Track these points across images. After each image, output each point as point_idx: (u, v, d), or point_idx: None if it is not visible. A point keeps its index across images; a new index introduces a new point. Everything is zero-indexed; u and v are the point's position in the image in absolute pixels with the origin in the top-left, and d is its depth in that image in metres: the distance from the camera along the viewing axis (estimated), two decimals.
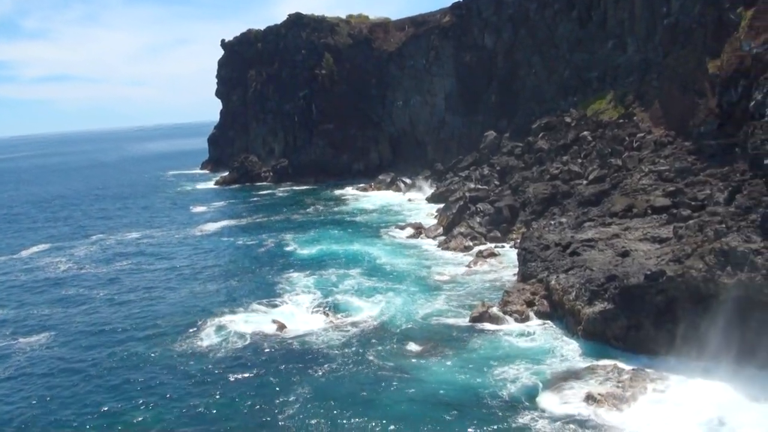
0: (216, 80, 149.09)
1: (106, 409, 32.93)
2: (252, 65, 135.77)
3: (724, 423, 27.44)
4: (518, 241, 53.97)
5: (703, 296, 32.52)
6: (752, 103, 39.10)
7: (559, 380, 32.53)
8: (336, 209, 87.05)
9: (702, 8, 54.94)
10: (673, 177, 49.80)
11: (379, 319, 42.87)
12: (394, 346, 38.37)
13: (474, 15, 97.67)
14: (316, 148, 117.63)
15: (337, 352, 37.94)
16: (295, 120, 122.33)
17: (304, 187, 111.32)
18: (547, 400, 30.74)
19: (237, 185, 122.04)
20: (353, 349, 38.30)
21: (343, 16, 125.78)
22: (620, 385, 30.92)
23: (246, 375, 35.61)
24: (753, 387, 29.44)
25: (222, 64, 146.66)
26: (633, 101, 66.39)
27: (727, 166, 42.97)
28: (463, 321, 41.53)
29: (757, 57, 41.76)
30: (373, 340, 39.41)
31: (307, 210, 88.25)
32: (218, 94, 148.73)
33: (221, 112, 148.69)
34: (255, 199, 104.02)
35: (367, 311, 44.45)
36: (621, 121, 64.97)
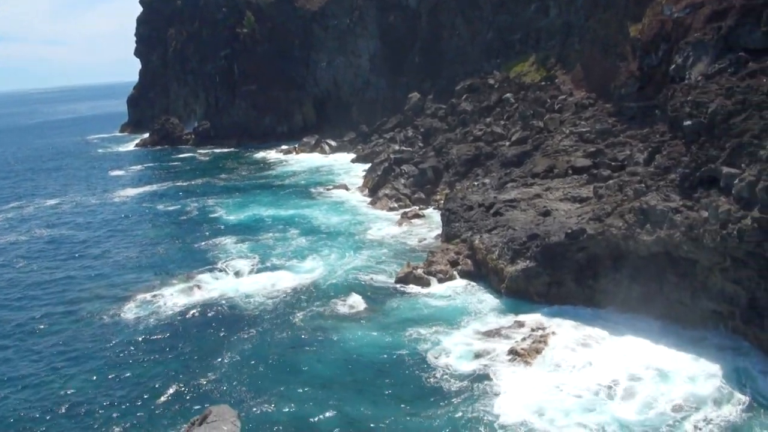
0: (135, 39, 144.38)
1: (27, 378, 32.02)
2: (172, 23, 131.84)
3: (636, 377, 28.33)
4: (442, 202, 54.23)
5: (623, 253, 33.26)
6: (672, 67, 39.79)
7: (481, 337, 33.07)
8: (261, 173, 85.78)
9: None
10: (594, 138, 50.59)
11: (310, 282, 42.73)
12: (323, 308, 38.37)
13: None
14: (239, 110, 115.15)
15: (267, 316, 37.64)
16: (216, 81, 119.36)
17: (227, 150, 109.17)
18: (466, 357, 31.25)
19: (158, 147, 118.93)
20: (283, 312, 38.09)
21: None
22: (542, 339, 31.51)
23: (173, 344, 35.02)
24: (668, 340, 30.43)
25: (141, 21, 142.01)
26: (555, 64, 67.10)
27: (647, 127, 43.77)
28: (390, 281, 41.70)
29: (678, 21, 42.45)
30: (303, 303, 39.29)
31: (231, 174, 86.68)
32: (137, 53, 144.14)
33: (140, 73, 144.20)
34: (176, 163, 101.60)
35: (298, 274, 44.25)
36: (543, 83, 65.63)
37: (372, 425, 26.19)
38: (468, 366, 30.39)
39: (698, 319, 30.68)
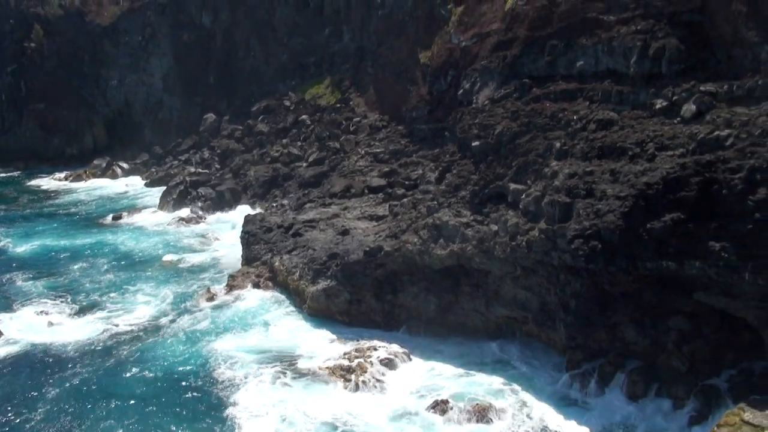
0: None
1: None
2: None
3: (434, 389, 29.43)
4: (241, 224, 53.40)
5: (420, 267, 34.41)
6: (460, 91, 41.94)
7: (284, 357, 33.21)
8: (50, 199, 78.42)
9: (414, 3, 57.95)
10: (388, 158, 52.29)
11: (118, 309, 40.80)
12: (135, 333, 37.17)
13: None
14: (26, 130, 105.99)
15: (83, 363, 34.74)
16: (2, 98, 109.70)
17: (10, 174, 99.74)
18: (267, 376, 31.45)
19: None
20: (97, 344, 36.22)
21: None
22: (346, 357, 31.85)
23: None
24: (465, 354, 31.99)
25: None
26: (349, 87, 68.66)
27: (438, 148, 45.91)
28: (193, 304, 40.68)
29: (466, 50, 44.84)
30: (114, 331, 37.69)
31: (14, 202, 78.60)
32: None
33: None
34: None
35: (102, 303, 41.86)
36: (338, 105, 66.92)
37: None
38: (264, 387, 30.57)
39: (493, 327, 32.44)
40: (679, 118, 28.34)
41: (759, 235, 23.80)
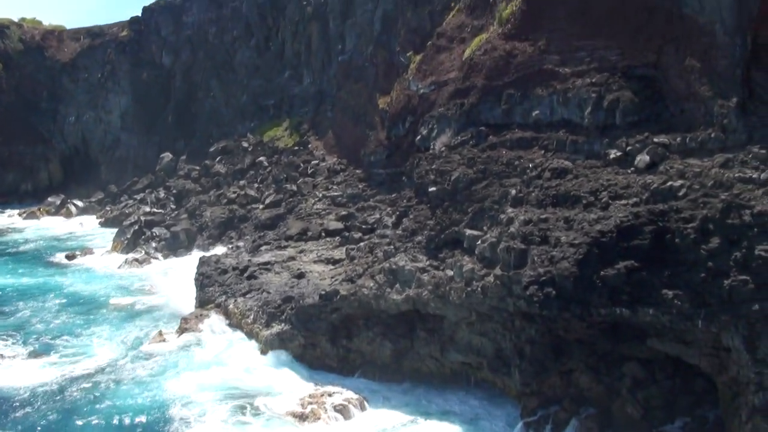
0: None
1: None
2: None
3: None
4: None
5: (375, 312, 34.20)
6: (418, 137, 42.30)
7: (239, 396, 32.67)
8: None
9: (374, 49, 58.76)
10: (346, 202, 52.37)
11: (70, 351, 39.62)
12: (88, 376, 36.10)
13: (152, 32, 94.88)
14: None
15: (29, 394, 34.15)
16: None
17: None
18: (223, 415, 30.88)
19: None
20: (50, 386, 35.05)
21: (15, 19, 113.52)
22: (300, 402, 31.40)
23: None
24: (417, 400, 31.70)
25: None
26: (308, 130, 69.07)
27: (395, 192, 46.10)
28: (146, 347, 39.74)
29: (424, 96, 45.43)
30: (67, 374, 36.46)
31: None
32: None
33: None
34: None
35: (54, 346, 40.64)
36: (296, 148, 67.18)
37: None
38: (220, 427, 29.97)
39: (449, 372, 32.26)
40: (632, 168, 28.91)
41: (711, 284, 24.18)
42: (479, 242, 30.97)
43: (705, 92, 27.56)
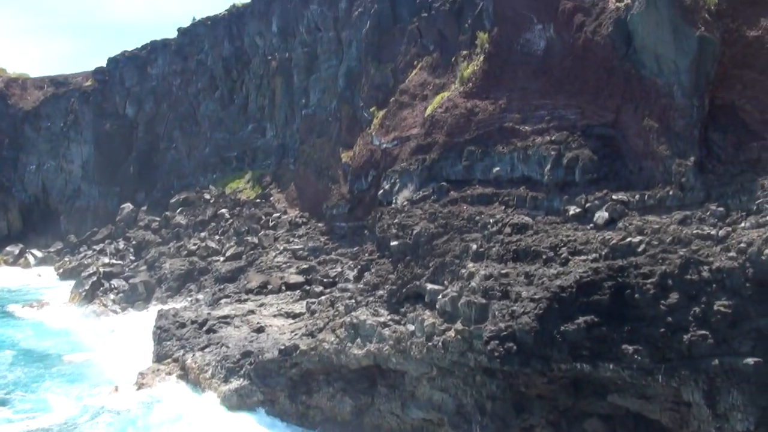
0: None
1: None
2: None
3: None
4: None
5: (335, 367, 33.81)
6: (380, 192, 42.52)
7: None
8: None
9: (338, 104, 59.28)
10: (307, 255, 52.13)
11: (26, 407, 38.71)
12: None
13: (117, 82, 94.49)
14: None
15: None
16: None
17: None
18: None
19: None
20: None
21: None
22: None
23: None
24: None
25: None
26: (270, 182, 69.00)
27: (357, 246, 46.08)
28: (102, 402, 38.83)
29: (386, 151, 45.79)
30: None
31: None
32: None
33: None
34: None
35: (8, 401, 39.68)
36: (258, 200, 66.94)
37: None
38: None
39: (410, 429, 31.81)
40: (591, 225, 29.29)
41: (671, 339, 24.41)
42: (440, 297, 30.93)
43: (663, 151, 28.17)
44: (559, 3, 33.92)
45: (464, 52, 42.32)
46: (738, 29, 28.42)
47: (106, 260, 70.48)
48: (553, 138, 32.59)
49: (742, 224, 25.19)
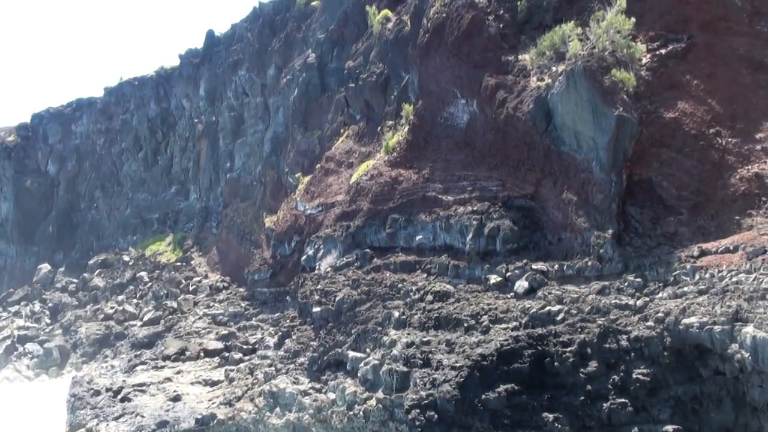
0: None
1: None
2: None
3: None
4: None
5: None
6: (304, 257, 42.45)
7: None
8: None
9: (263, 169, 59.33)
10: (227, 321, 51.28)
11: None
12: None
13: (39, 139, 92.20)
14: None
15: None
16: None
17: None
18: None
19: None
20: None
21: None
22: None
23: None
24: None
25: None
26: (192, 246, 68.04)
27: (279, 312, 45.60)
28: None
29: (311, 217, 45.86)
30: None
31: None
32: None
33: None
34: None
35: None
36: (179, 263, 65.82)
37: None
38: None
39: None
40: (512, 293, 29.78)
41: (591, 407, 24.73)
42: (362, 365, 30.77)
43: (582, 223, 28.99)
44: (483, 79, 34.95)
45: (390, 123, 43.11)
46: (656, 111, 29.75)
47: (21, 323, 67.90)
48: (474, 208, 33.23)
49: (660, 294, 25.98)
